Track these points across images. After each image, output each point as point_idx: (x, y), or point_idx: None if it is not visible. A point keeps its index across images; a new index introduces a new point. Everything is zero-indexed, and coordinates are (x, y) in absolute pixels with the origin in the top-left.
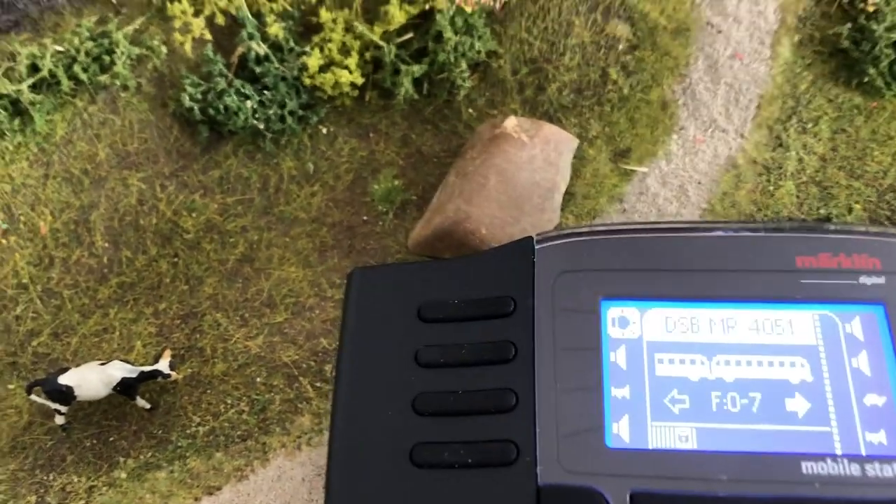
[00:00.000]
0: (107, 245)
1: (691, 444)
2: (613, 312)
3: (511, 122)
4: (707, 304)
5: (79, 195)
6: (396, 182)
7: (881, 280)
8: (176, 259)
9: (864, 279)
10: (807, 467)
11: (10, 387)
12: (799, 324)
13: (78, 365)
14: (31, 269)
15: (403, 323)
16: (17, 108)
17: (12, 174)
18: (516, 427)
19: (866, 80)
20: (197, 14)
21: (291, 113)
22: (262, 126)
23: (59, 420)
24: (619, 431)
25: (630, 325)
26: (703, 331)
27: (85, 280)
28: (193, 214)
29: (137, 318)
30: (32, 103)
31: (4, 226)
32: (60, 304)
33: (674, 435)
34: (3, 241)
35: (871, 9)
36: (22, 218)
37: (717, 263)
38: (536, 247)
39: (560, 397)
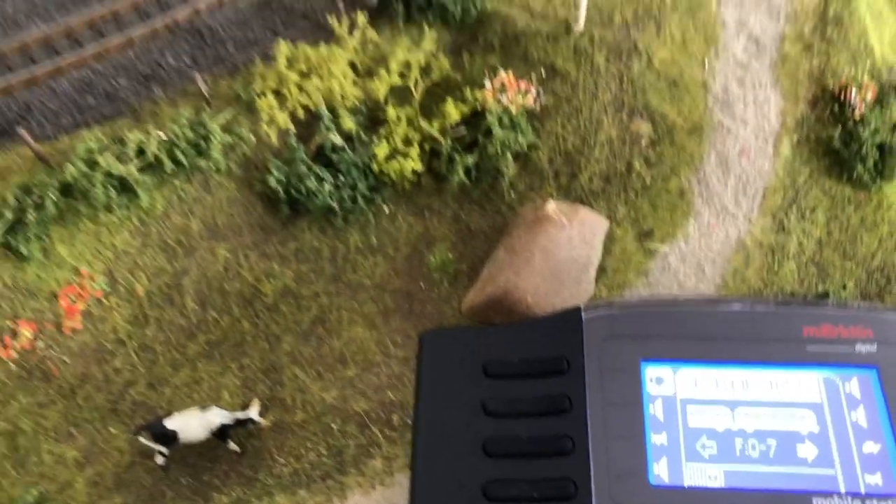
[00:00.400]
0: (196, 307)
1: (720, 483)
2: (651, 372)
3: (552, 206)
4: (729, 366)
5: (172, 262)
6: (450, 255)
7: (873, 348)
8: (257, 320)
9: (859, 347)
10: (817, 503)
11: (113, 430)
12: (806, 383)
13: (181, 411)
14: (129, 327)
15: (471, 378)
16: (124, 186)
17: (115, 243)
18: (574, 468)
19: (855, 175)
20: (281, 108)
21: (362, 195)
22: (336, 205)
23: (160, 460)
24: (660, 471)
25: (665, 383)
26: (727, 388)
27: (176, 337)
28: (272, 280)
29: (224, 372)
30: (138, 182)
31: (106, 288)
32: (154, 357)
33: (705, 475)
34: (105, 302)
35: (858, 116)
36: (122, 281)
37: (737, 332)
38: (584, 316)
39: (610, 443)
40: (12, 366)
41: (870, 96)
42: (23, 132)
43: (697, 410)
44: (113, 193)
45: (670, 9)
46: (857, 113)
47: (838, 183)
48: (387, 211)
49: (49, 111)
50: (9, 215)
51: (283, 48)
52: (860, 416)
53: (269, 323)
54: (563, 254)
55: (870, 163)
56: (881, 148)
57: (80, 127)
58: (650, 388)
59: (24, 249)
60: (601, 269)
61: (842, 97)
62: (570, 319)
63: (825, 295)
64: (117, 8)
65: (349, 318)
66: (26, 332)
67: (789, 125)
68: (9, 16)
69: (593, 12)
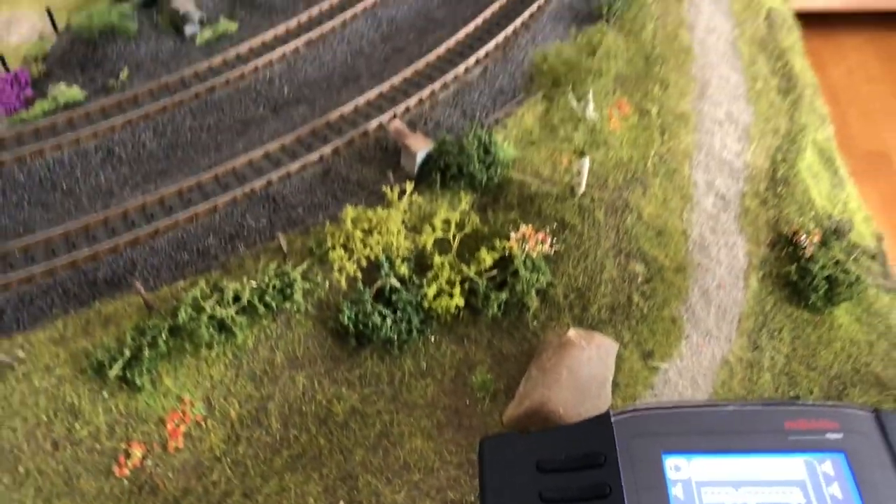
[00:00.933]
0: (279, 426)
1: None
2: (671, 462)
3: (573, 333)
4: (731, 455)
5: (259, 389)
6: (488, 375)
7: (840, 436)
8: (331, 436)
9: (829, 435)
10: None
11: None
12: (791, 466)
13: None
14: (223, 445)
15: (527, 473)
16: (222, 327)
17: (213, 374)
18: None
19: (811, 302)
20: (349, 259)
21: (415, 328)
22: (394, 337)
23: None
24: None
25: (682, 470)
26: (731, 472)
27: (264, 453)
28: (342, 402)
29: (307, 481)
30: (235, 323)
31: (205, 413)
32: (245, 471)
33: None
34: (203, 425)
35: (808, 255)
36: (217, 406)
37: (734, 427)
38: (613, 420)
39: None
40: (125, 482)
41: (816, 239)
42: (137, 284)
43: (710, 490)
44: (214, 333)
45: (651, 174)
46: (807, 252)
47: (798, 308)
48: (433, 340)
49: (151, 266)
50: (127, 353)
51: (349, 211)
52: (835, 490)
53: (341, 438)
54: (584, 372)
55: (821, 292)
56: (829, 279)
57: (177, 279)
58: (671, 474)
59: (138, 381)
60: (615, 384)
61: (794, 240)
62: (602, 423)
63: (797, 397)
64: (200, 180)
65: (409, 432)
66: (137, 452)
67: (755, 263)
68: (104, 187)
69: (592, 178)
